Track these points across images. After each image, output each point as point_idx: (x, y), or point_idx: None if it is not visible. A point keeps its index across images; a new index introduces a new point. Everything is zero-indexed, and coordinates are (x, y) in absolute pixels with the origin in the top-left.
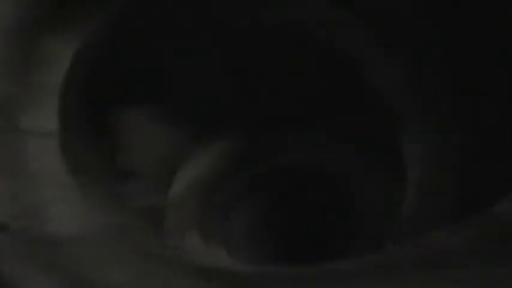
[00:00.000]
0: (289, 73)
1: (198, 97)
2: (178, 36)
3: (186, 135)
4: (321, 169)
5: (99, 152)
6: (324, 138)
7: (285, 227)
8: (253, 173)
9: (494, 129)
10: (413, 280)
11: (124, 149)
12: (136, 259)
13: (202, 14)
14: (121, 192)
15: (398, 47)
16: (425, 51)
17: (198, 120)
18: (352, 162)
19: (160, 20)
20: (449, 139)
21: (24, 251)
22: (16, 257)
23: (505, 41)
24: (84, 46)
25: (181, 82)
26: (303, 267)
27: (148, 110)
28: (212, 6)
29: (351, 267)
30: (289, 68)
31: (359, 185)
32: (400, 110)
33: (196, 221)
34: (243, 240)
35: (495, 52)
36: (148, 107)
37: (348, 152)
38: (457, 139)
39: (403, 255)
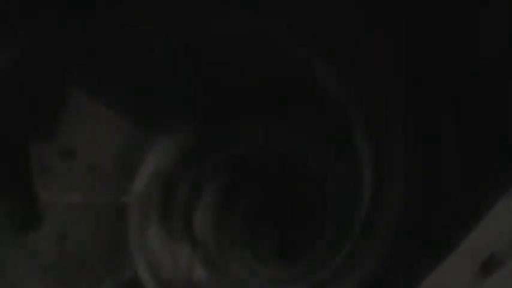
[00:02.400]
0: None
1: (151, 90)
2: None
3: (140, 129)
4: (282, 156)
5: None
6: (279, 127)
7: (251, 216)
8: (212, 162)
9: (443, 138)
10: None
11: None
12: None
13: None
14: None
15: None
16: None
17: (152, 113)
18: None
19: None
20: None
21: None
22: None
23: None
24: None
25: (134, 76)
26: None
27: (102, 103)
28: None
29: None
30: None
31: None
32: (349, 112)
33: (158, 217)
34: (208, 232)
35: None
36: (100, 102)
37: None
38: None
39: None
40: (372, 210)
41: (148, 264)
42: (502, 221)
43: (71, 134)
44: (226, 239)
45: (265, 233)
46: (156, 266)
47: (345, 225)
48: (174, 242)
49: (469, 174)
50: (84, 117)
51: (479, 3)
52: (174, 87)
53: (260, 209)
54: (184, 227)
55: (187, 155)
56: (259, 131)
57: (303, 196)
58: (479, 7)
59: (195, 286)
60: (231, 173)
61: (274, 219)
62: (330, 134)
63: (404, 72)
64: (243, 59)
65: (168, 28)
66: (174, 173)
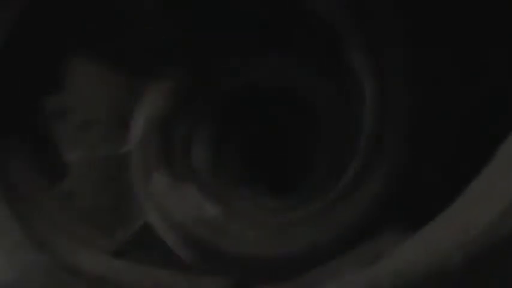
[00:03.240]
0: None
1: (138, 37)
2: None
3: (132, 77)
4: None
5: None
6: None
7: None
8: (206, 99)
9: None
10: None
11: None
12: None
13: None
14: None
15: None
16: None
17: (142, 61)
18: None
19: None
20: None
21: None
22: None
23: None
24: None
25: (120, 24)
26: None
27: (91, 58)
28: None
29: None
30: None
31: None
32: (341, 30)
33: (160, 162)
34: (209, 169)
35: None
36: (90, 56)
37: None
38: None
39: None
40: (374, 130)
41: (158, 210)
42: None
43: (64, 92)
44: (227, 175)
45: (259, 166)
46: (166, 210)
47: (343, 154)
48: (180, 184)
49: None
50: (77, 73)
51: None
52: (161, 30)
53: (254, 142)
54: (187, 168)
55: (182, 95)
56: (249, 62)
57: (295, 125)
58: None
59: (208, 223)
60: (225, 109)
61: (268, 152)
62: (321, 57)
63: None
64: None
65: None
66: (170, 115)
